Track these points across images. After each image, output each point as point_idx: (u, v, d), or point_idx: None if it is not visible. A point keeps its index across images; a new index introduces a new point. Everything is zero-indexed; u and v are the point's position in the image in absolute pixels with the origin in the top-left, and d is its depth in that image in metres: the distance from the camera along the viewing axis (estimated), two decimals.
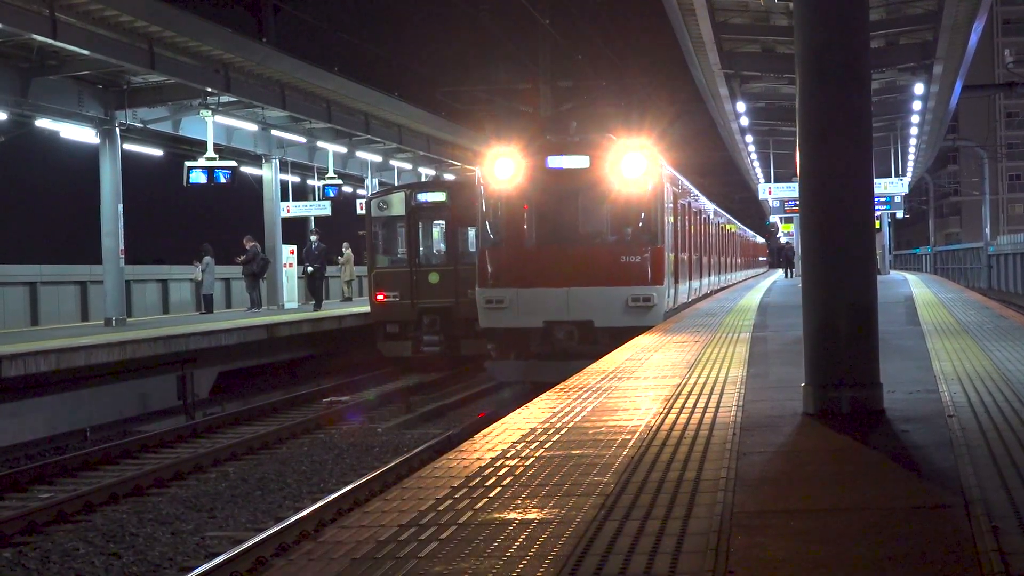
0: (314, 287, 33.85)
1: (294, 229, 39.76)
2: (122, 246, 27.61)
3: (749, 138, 52.62)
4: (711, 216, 39.50)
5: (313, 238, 34.09)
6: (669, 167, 25.09)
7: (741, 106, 42.46)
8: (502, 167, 22.37)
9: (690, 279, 28.41)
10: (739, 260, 59.35)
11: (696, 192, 33.69)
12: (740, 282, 52.67)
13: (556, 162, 22.49)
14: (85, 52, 22.23)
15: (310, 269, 33.44)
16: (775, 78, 40.41)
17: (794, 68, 9.25)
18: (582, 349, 21.41)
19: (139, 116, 27.87)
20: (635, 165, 22.17)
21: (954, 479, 6.55)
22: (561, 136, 23.98)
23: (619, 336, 19.68)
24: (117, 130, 27.12)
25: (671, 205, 24.36)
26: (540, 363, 21.96)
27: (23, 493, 16.12)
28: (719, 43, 36.18)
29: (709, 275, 36.48)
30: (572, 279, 21.80)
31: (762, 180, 61.58)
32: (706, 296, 33.43)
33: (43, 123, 25.85)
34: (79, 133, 26.86)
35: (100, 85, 26.32)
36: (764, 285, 43.82)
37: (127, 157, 28.51)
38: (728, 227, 52.29)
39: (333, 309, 33.88)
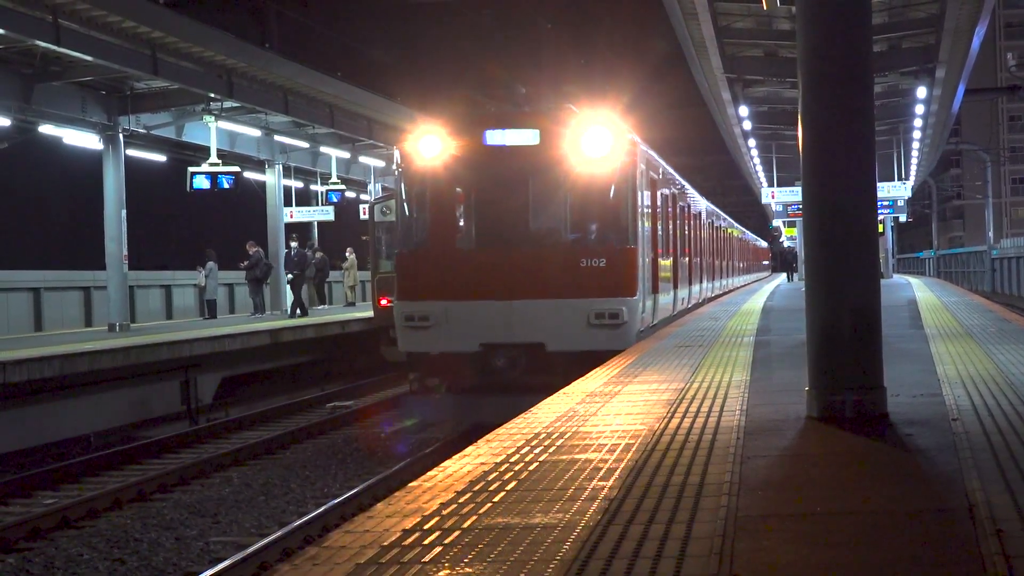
0: (298, 292, 33.73)
1: (298, 234, 39.77)
2: (125, 251, 27.63)
3: (752, 142, 52.63)
4: (703, 213, 34.16)
5: (293, 244, 34.06)
6: (646, 148, 20.20)
7: (744, 110, 42.49)
8: (427, 146, 17.72)
9: (675, 287, 23.84)
10: (738, 264, 54.46)
11: (684, 183, 28.36)
12: (739, 288, 48.99)
13: (497, 138, 17.76)
14: (88, 58, 22.26)
15: (290, 276, 33.38)
16: (778, 82, 40.42)
17: (796, 72, 9.25)
18: (530, 380, 17.04)
19: (142, 122, 27.90)
20: (600, 142, 17.50)
21: (958, 483, 6.55)
22: (505, 106, 20.03)
23: (579, 363, 15.61)
24: (120, 136, 27.15)
25: (648, 195, 19.74)
26: (475, 399, 17.51)
27: (27, 499, 16.13)
28: (721, 47, 36.20)
29: (701, 281, 31.54)
30: (517, 289, 17.27)
31: (765, 184, 61.62)
32: (697, 306, 29.33)
33: (46, 129, 25.89)
34: (82, 139, 26.89)
35: (103, 91, 26.35)
36: (767, 289, 43.78)
37: (130, 163, 28.54)
38: (730, 231, 51.55)
39: (337, 314, 33.88)
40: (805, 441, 8.26)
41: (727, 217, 50.16)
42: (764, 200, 58.55)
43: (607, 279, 17.33)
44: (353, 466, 17.54)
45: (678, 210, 25.48)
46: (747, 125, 45.98)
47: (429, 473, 7.42)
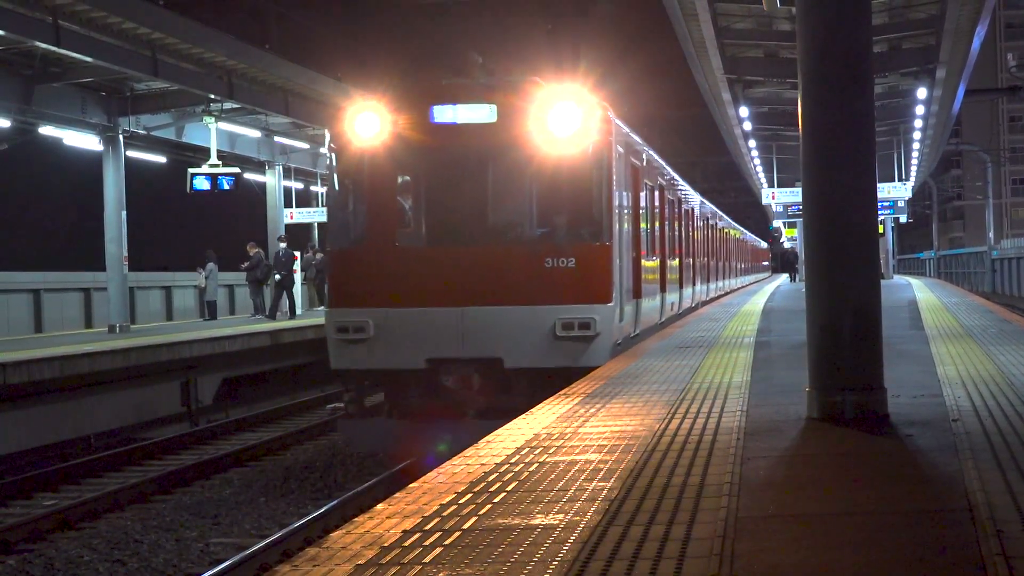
0: (278, 295, 33.60)
1: (298, 235, 39.79)
2: (125, 253, 27.63)
3: (752, 143, 52.65)
4: (696, 209, 31.37)
5: (282, 245, 34.03)
6: (626, 128, 17.60)
7: (744, 111, 42.50)
8: (362, 125, 15.21)
9: (663, 291, 21.46)
10: (736, 265, 52.56)
11: (674, 175, 25.74)
12: (737, 290, 47.40)
13: (446, 114, 15.22)
14: (88, 59, 22.26)
15: (278, 276, 33.32)
16: (778, 83, 40.46)
17: (797, 73, 9.25)
18: (486, 403, 14.97)
19: (142, 123, 27.91)
20: (569, 120, 15.00)
21: (958, 483, 6.54)
22: (456, 77, 16.85)
23: (543, 383, 13.86)
24: (120, 137, 27.15)
25: (628, 184, 17.24)
26: (420, 425, 15.05)
27: (27, 500, 16.12)
28: (722, 48, 36.22)
29: (694, 284, 28.94)
30: (470, 295, 14.82)
31: (765, 185, 61.64)
32: (691, 311, 26.91)
33: (46, 130, 25.89)
34: (82, 140, 26.90)
35: (103, 92, 26.35)
36: (768, 290, 43.78)
37: (130, 164, 28.54)
38: (728, 231, 51.29)
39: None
40: (806, 442, 8.26)
41: (724, 215, 47.73)
42: (764, 201, 58.60)
43: (576, 282, 14.81)
44: (354, 467, 17.53)
45: (667, 204, 22.91)
46: (747, 126, 46.00)
47: (429, 474, 7.42)
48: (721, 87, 40.93)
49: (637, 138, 19.24)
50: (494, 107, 15.16)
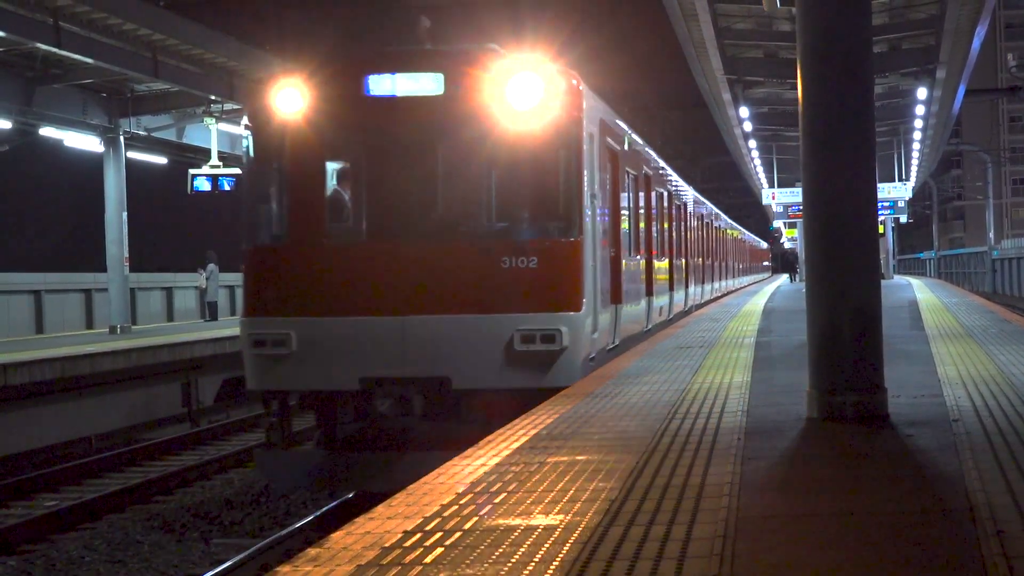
0: None
1: None
2: (126, 254, 27.66)
3: (752, 143, 52.67)
4: (690, 204, 29.02)
5: None
6: (602, 104, 15.34)
7: (744, 111, 42.54)
8: (285, 101, 12.95)
9: (649, 295, 19.24)
10: (734, 265, 50.69)
11: (663, 165, 23.44)
12: (736, 291, 45.57)
13: (384, 85, 12.95)
14: (89, 60, 22.29)
15: None
16: (778, 83, 40.50)
17: (797, 73, 9.26)
18: (430, 432, 12.65)
19: (143, 124, 27.93)
20: (531, 93, 12.73)
21: (959, 484, 6.55)
22: (398, 45, 14.85)
23: (499, 408, 11.96)
24: (121, 138, 27.19)
25: (605, 170, 14.85)
26: (352, 456, 12.81)
27: (28, 501, 16.14)
28: (721, 48, 36.25)
29: (687, 286, 26.70)
30: (412, 301, 12.57)
31: (765, 185, 61.67)
32: (683, 315, 25.05)
33: (47, 132, 25.91)
34: (83, 141, 26.92)
35: (104, 93, 26.38)
36: (768, 290, 43.78)
37: (131, 165, 28.56)
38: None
39: None
40: (806, 442, 8.26)
41: (721, 213, 45.12)
42: (765, 201, 58.67)
43: (539, 286, 12.65)
44: None
45: (654, 196, 20.68)
46: (748, 126, 46.03)
47: (430, 475, 7.42)
48: (721, 87, 40.96)
49: (617, 119, 16.75)
50: (441, 77, 12.87)
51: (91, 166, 29.40)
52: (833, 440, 8.23)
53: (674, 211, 24.53)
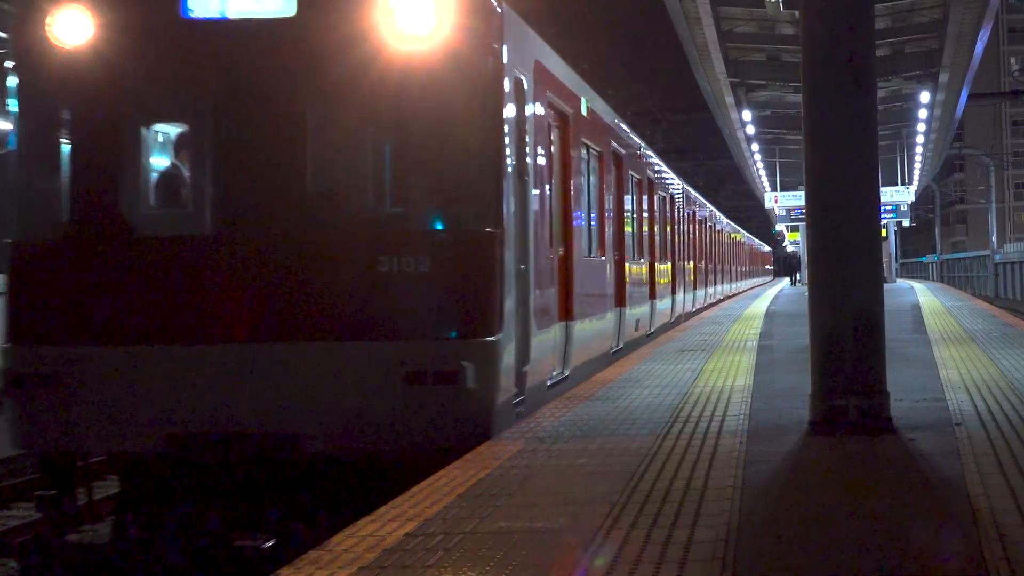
0: None
1: None
2: None
3: (755, 146, 52.71)
4: (681, 199, 25.79)
5: None
6: (544, 48, 11.53)
7: (747, 114, 42.56)
8: (67, 28, 9.23)
9: (622, 305, 16.01)
10: (734, 269, 48.07)
11: (642, 145, 19.65)
12: (734, 296, 43.61)
13: (209, 3, 9.25)
14: None
15: None
16: (781, 86, 40.52)
17: (800, 76, 9.26)
18: (273, 513, 8.88)
19: None
20: (420, 13, 9.03)
21: (961, 487, 6.54)
22: None
23: (376, 477, 8.78)
24: None
25: (545, 135, 11.16)
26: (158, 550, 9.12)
27: (29, 502, 16.12)
28: (725, 51, 36.27)
29: (675, 292, 23.52)
30: (248, 323, 9.03)
31: (768, 189, 61.69)
32: (668, 328, 21.80)
33: None
34: None
35: None
36: (770, 294, 43.77)
37: None
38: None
39: None
40: (808, 446, 8.25)
41: (716, 210, 41.17)
42: (767, 204, 58.66)
43: (434, 300, 9.00)
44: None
45: (630, 183, 17.34)
46: (750, 129, 46.06)
47: (431, 478, 7.42)
48: (724, 91, 40.98)
49: (572, 73, 13.17)
50: None
51: None
52: (835, 444, 8.22)
53: (657, 204, 21.03)
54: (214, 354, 8.95)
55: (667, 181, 23.36)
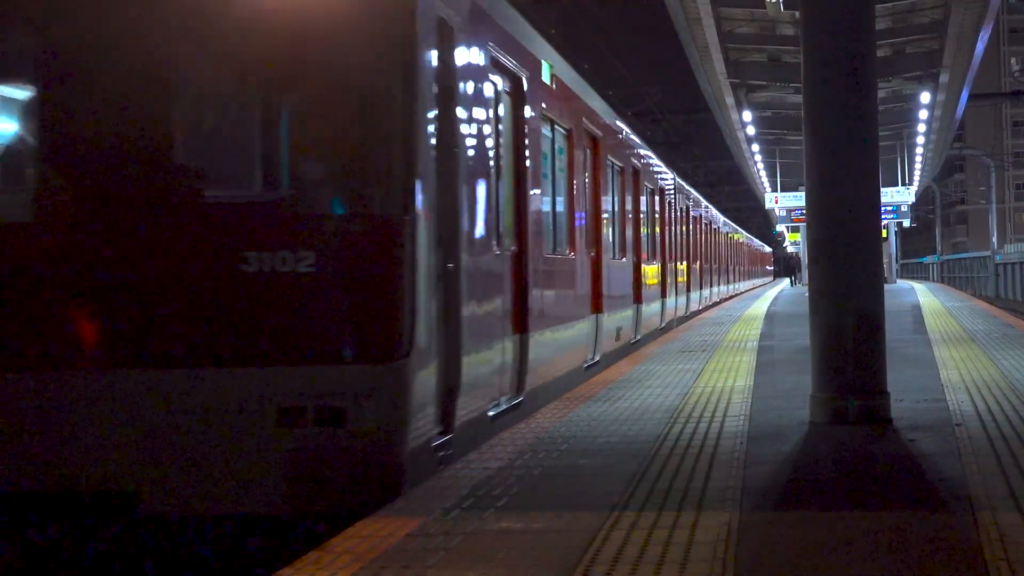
0: None
1: None
2: None
3: (755, 147, 52.73)
4: (669, 192, 23.42)
5: None
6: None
7: (747, 115, 42.58)
8: None
9: (597, 311, 14.26)
10: (732, 269, 46.54)
11: (622, 127, 17.75)
12: (732, 297, 42.08)
13: None
14: None
15: None
16: (781, 87, 40.56)
17: (800, 77, 9.26)
18: None
19: None
20: None
21: (962, 488, 6.54)
22: None
23: (241, 547, 6.98)
24: None
25: (478, 94, 8.81)
26: None
27: None
28: (725, 52, 36.29)
29: (664, 296, 21.68)
30: (72, 345, 6.89)
31: (768, 189, 61.72)
32: (658, 332, 20.34)
33: None
34: None
35: None
36: (770, 295, 43.76)
37: None
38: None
39: None
40: (809, 446, 8.25)
41: (711, 206, 39.07)
42: (768, 205, 58.70)
43: (319, 309, 6.97)
44: None
45: (605, 169, 15.38)
46: (751, 130, 46.07)
47: (432, 478, 7.41)
48: (724, 91, 41.00)
49: (526, 26, 11.19)
50: None
51: None
52: (836, 444, 8.22)
53: (644, 196, 19.41)
54: (25, 384, 6.77)
55: (656, 172, 21.44)
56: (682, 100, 57.30)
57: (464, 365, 8.05)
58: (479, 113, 8.79)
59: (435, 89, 7.68)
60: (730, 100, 41.88)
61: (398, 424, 6.93)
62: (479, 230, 8.73)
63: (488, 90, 9.17)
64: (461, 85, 8.22)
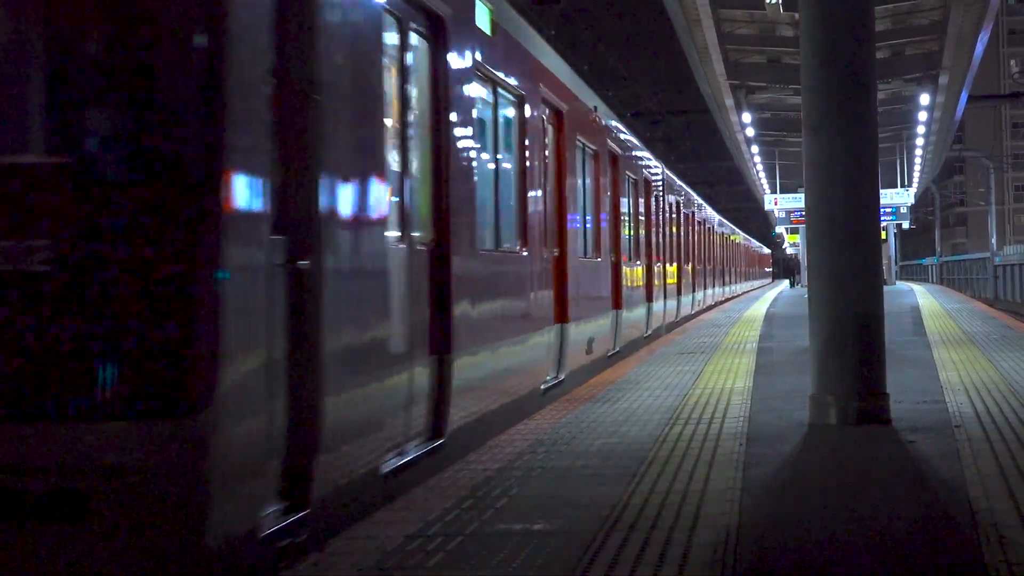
0: None
1: None
2: None
3: (755, 148, 52.75)
4: (655, 186, 21.39)
5: None
6: None
7: (747, 116, 42.60)
8: None
9: (562, 320, 12.34)
10: (729, 271, 45.05)
11: (589, 98, 14.89)
12: (730, 299, 41.22)
13: None
14: None
15: None
16: (780, 88, 40.57)
17: (799, 78, 9.26)
18: None
19: None
20: None
21: (961, 489, 6.54)
22: None
23: None
24: None
25: (355, 28, 6.37)
26: None
27: None
28: (725, 53, 36.30)
29: (651, 299, 19.94)
30: None
31: (768, 191, 61.73)
32: (641, 340, 18.51)
33: None
34: None
35: None
36: (769, 296, 43.77)
37: None
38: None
39: None
40: (808, 448, 8.25)
41: (706, 204, 36.60)
42: (767, 207, 58.71)
43: (54, 335, 4.50)
44: None
45: (572, 152, 13.07)
46: (750, 132, 46.09)
47: (431, 479, 7.41)
48: (724, 92, 41.03)
49: None
50: None
51: None
52: (835, 446, 8.22)
53: (625, 188, 17.52)
54: None
55: (641, 162, 19.09)
56: (682, 101, 57.29)
57: (330, 406, 5.78)
58: (364, 53, 6.55)
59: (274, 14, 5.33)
60: (729, 101, 41.90)
61: (186, 512, 4.58)
62: (364, 212, 6.41)
63: (380, 23, 6.84)
64: (330, 12, 5.99)
